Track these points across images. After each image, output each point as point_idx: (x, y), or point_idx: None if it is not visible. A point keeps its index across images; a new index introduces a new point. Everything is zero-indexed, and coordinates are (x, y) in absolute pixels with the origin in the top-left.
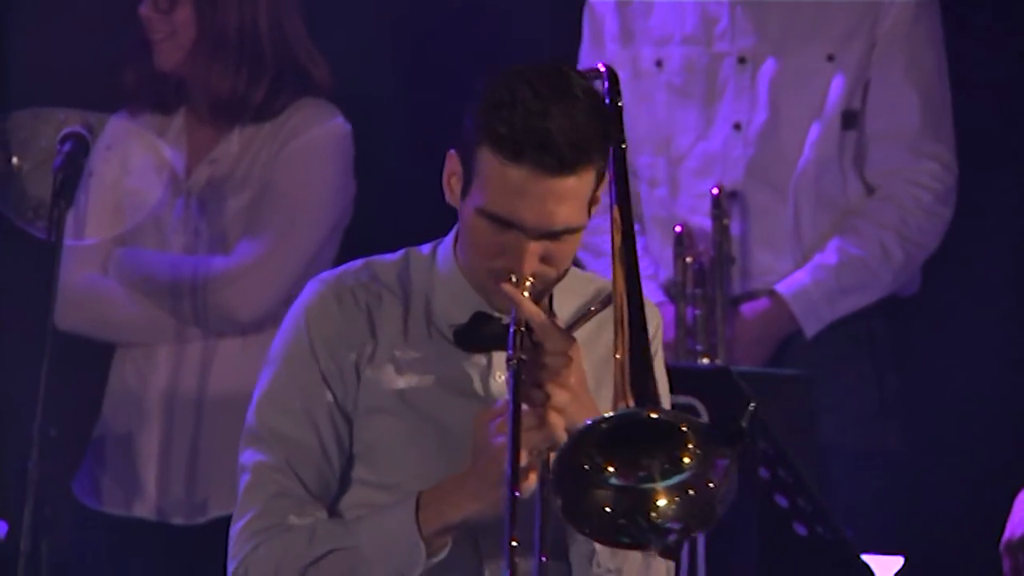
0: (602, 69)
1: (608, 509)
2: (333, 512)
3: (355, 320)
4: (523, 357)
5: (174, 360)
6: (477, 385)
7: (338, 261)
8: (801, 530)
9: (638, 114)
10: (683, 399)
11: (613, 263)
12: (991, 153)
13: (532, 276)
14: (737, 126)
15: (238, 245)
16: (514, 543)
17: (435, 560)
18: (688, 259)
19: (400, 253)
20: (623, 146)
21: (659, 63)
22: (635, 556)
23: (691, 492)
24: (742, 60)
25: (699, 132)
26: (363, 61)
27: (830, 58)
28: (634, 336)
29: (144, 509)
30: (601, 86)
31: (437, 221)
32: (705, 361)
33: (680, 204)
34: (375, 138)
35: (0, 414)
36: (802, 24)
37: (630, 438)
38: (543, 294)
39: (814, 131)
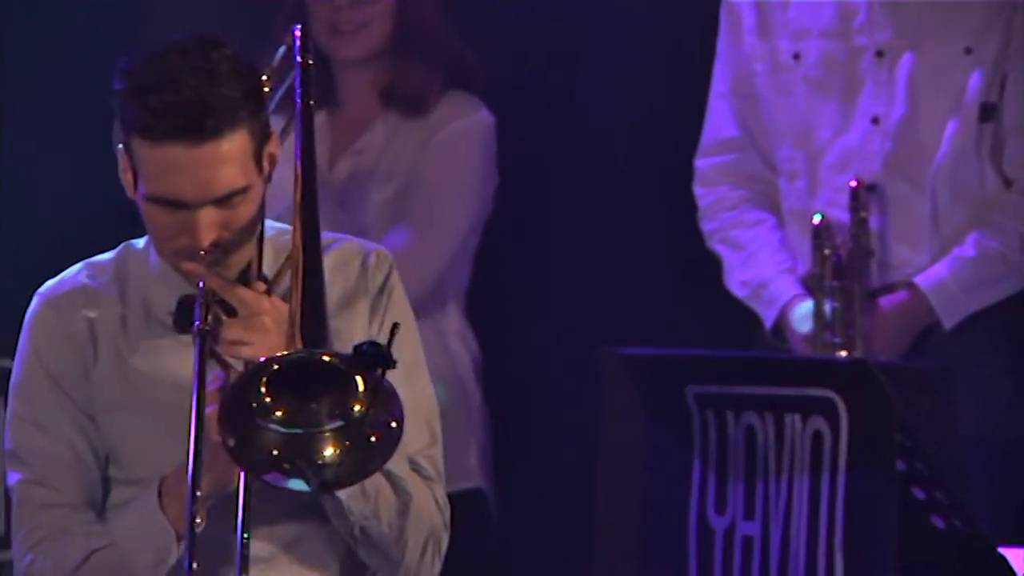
0: (295, 31)
1: (274, 451)
2: (103, 515)
3: (74, 325)
4: (207, 328)
5: None
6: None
7: (479, 254)
8: (939, 523)
9: (778, 107)
10: (821, 392)
11: (293, 216)
12: None
13: (215, 244)
14: (875, 120)
15: (385, 237)
16: (198, 520)
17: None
18: (827, 252)
19: (117, 249)
20: (310, 102)
21: (797, 56)
22: (388, 499)
23: (354, 434)
24: (880, 54)
25: (838, 126)
26: (508, 54)
27: (968, 51)
28: (307, 284)
29: None
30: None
31: (573, 212)
32: (843, 354)
33: (819, 198)
34: (518, 132)
35: None
36: (939, 17)
37: (303, 384)
38: (232, 255)
39: (952, 125)
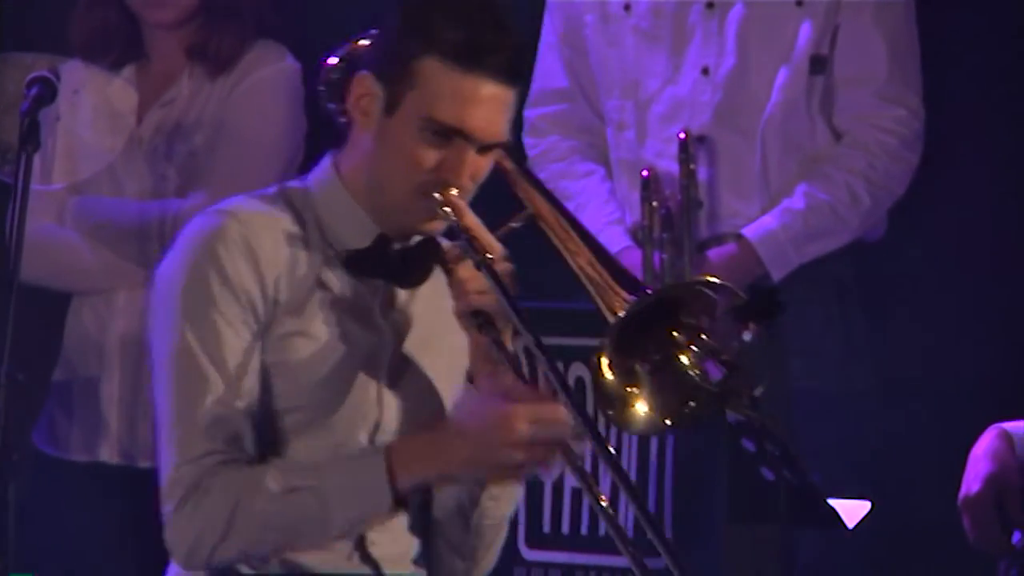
0: None
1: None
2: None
3: (265, 250)
4: (491, 256)
5: (135, 305)
6: (376, 311)
7: None
8: (768, 475)
9: (607, 57)
10: None
11: (517, 183)
12: (958, 99)
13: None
14: (705, 71)
15: (194, 187)
16: None
17: (398, 513)
18: (655, 203)
19: (273, 188)
20: None
21: (627, 7)
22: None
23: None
24: (710, 5)
25: (667, 77)
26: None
27: (799, 3)
28: (587, 240)
29: (109, 453)
30: None
31: None
32: None
33: (647, 148)
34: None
35: None
36: None
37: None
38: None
39: (782, 76)
